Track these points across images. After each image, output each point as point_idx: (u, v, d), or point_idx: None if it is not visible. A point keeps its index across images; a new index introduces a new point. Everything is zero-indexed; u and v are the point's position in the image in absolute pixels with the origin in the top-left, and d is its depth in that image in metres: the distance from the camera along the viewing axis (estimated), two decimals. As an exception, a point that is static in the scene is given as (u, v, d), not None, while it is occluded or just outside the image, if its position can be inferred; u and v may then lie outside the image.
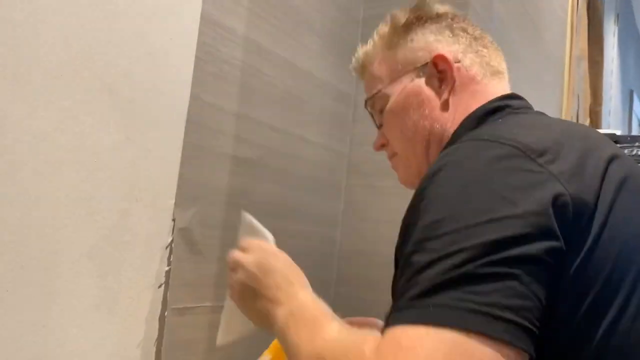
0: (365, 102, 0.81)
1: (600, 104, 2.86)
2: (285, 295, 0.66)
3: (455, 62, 0.72)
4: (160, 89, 0.91)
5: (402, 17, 0.78)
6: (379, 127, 0.80)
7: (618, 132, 1.37)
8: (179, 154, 0.95)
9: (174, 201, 0.94)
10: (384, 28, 0.79)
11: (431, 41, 0.74)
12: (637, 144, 1.32)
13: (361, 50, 0.82)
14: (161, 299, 0.92)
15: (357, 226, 1.40)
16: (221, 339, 0.76)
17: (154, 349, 0.91)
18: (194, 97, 0.97)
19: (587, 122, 2.68)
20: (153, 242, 0.91)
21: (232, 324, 0.75)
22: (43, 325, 0.76)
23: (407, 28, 0.76)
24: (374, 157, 1.40)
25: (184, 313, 0.97)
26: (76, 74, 0.79)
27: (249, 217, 0.78)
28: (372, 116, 0.81)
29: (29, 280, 0.74)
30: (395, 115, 0.75)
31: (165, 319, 0.93)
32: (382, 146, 0.81)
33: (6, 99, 0.71)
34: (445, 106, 0.71)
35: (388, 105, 0.76)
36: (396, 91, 0.75)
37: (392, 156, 0.80)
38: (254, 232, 0.77)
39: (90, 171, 0.81)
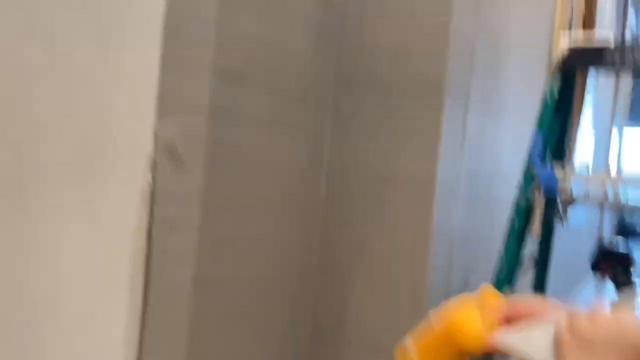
0: None
1: (594, 10, 2.77)
2: None
3: None
4: (133, -6, 0.86)
5: None
6: None
7: (610, 40, 1.34)
8: (157, 63, 0.91)
9: (154, 113, 0.91)
10: None
11: None
12: (632, 51, 1.29)
13: None
14: (147, 212, 0.92)
15: (343, 140, 1.39)
16: None
17: (142, 262, 0.93)
18: (170, 3, 0.92)
19: (580, 26, 2.61)
20: (135, 154, 0.89)
21: None
22: (34, 238, 0.76)
23: None
24: (359, 70, 1.37)
25: (171, 226, 0.98)
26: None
27: None
28: None
29: (8, 192, 0.73)
30: None
31: (152, 232, 0.94)
32: None
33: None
34: None
35: None
36: None
37: None
38: None
39: (67, 81, 0.77)
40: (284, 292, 1.32)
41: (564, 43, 1.40)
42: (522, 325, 0.59)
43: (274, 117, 1.20)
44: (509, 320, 0.63)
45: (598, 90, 3.71)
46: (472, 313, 0.61)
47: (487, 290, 0.66)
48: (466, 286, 1.58)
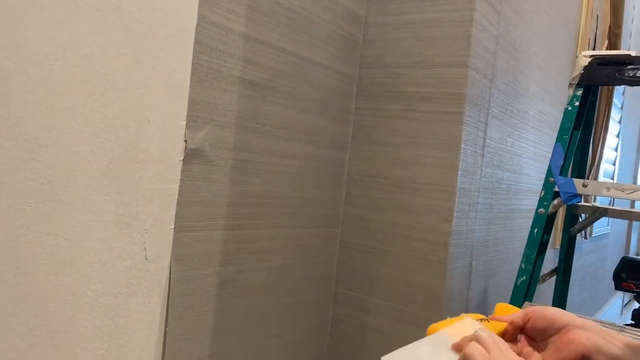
0: None
1: (620, 26, 2.77)
2: None
3: None
4: (167, 10, 0.91)
5: None
6: None
7: (633, 53, 1.34)
8: (189, 75, 0.96)
9: (185, 122, 0.96)
10: None
11: None
12: (651, 64, 1.29)
13: None
14: (174, 216, 0.97)
15: (364, 149, 1.43)
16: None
17: (168, 263, 0.97)
18: (201, 18, 0.97)
19: (605, 46, 2.60)
20: (166, 161, 0.94)
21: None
22: (65, 238, 0.80)
23: None
24: (381, 80, 1.40)
25: (196, 229, 1.02)
26: (83, -7, 0.79)
27: None
28: None
29: (50, 195, 0.78)
30: None
31: (178, 235, 0.98)
32: None
33: (15, 19, 0.72)
34: None
35: None
36: None
37: None
38: None
39: (101, 92, 0.83)
40: (304, 295, 1.35)
41: (586, 55, 1.41)
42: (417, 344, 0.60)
43: (298, 127, 1.24)
44: (525, 330, 0.63)
45: (628, 108, 3.67)
46: (452, 322, 0.62)
47: (501, 305, 0.67)
48: (485, 292, 1.59)
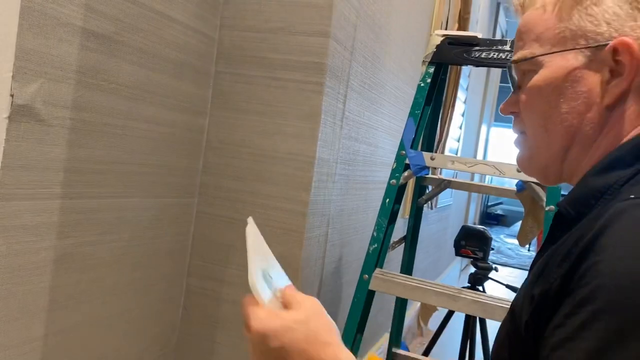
0: (513, 60, 0.63)
1: (469, 12, 2.98)
2: None
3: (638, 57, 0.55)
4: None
5: None
6: (516, 88, 0.64)
7: (479, 35, 1.44)
8: (16, 19, 0.83)
9: (11, 74, 0.83)
10: None
11: (619, 15, 0.56)
12: (494, 47, 1.40)
13: None
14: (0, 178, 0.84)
15: (224, 115, 1.37)
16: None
17: (-7, 234, 0.85)
18: (32, -47, 0.84)
19: (455, 28, 2.79)
20: (-15, 116, 0.81)
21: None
22: None
23: None
24: (243, 44, 1.35)
25: (26, 198, 0.90)
26: None
27: (254, 231, 0.65)
28: (510, 71, 0.65)
29: None
30: (540, 96, 0.59)
31: (2, 204, 0.86)
32: (511, 113, 0.65)
33: None
34: (609, 108, 0.56)
35: (536, 79, 0.59)
36: (554, 66, 0.58)
37: (519, 131, 0.65)
38: (260, 253, 0.65)
39: None
40: (155, 268, 1.28)
41: (437, 37, 1.48)
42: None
43: (150, 87, 1.14)
44: None
45: (472, 89, 3.99)
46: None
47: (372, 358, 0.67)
48: (340, 260, 1.64)
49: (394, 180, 1.44)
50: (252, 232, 0.65)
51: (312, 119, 1.30)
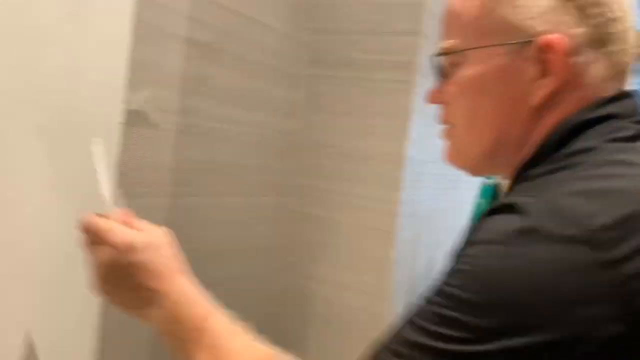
0: (438, 53, 0.60)
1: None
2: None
3: (569, 56, 0.51)
4: (105, -41, 0.84)
5: None
6: (443, 77, 0.60)
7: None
8: (129, 31, 0.90)
9: (125, 82, 0.91)
10: None
11: (550, 8, 0.51)
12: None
13: None
14: (116, 182, 0.92)
15: (315, 117, 1.40)
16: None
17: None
18: (143, -30, 0.91)
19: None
20: (104, 123, 0.88)
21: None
22: (-7, 203, 0.75)
23: None
24: (334, 47, 1.37)
25: (141, 196, 0.98)
26: None
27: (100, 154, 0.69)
28: (434, 60, 0.62)
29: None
30: (467, 90, 0.57)
31: (119, 202, 0.93)
32: (437, 102, 0.63)
33: None
34: (538, 108, 0.53)
35: (462, 74, 0.56)
36: (479, 61, 0.55)
37: (446, 122, 0.63)
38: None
39: (33, 47, 0.76)
40: (251, 265, 1.33)
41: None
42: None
43: (246, 91, 1.20)
44: None
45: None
46: None
47: None
48: (431, 262, 1.62)
49: (488, 180, 1.40)
50: (100, 151, 0.70)
51: (402, 117, 1.30)
